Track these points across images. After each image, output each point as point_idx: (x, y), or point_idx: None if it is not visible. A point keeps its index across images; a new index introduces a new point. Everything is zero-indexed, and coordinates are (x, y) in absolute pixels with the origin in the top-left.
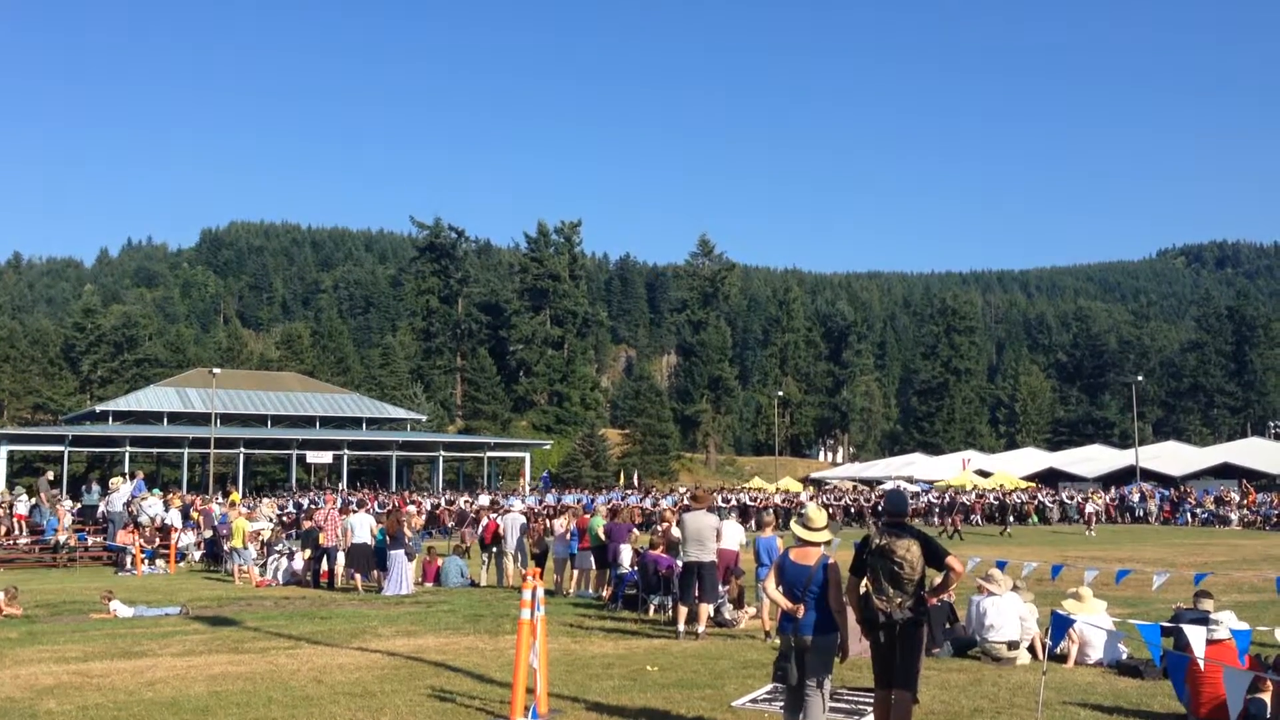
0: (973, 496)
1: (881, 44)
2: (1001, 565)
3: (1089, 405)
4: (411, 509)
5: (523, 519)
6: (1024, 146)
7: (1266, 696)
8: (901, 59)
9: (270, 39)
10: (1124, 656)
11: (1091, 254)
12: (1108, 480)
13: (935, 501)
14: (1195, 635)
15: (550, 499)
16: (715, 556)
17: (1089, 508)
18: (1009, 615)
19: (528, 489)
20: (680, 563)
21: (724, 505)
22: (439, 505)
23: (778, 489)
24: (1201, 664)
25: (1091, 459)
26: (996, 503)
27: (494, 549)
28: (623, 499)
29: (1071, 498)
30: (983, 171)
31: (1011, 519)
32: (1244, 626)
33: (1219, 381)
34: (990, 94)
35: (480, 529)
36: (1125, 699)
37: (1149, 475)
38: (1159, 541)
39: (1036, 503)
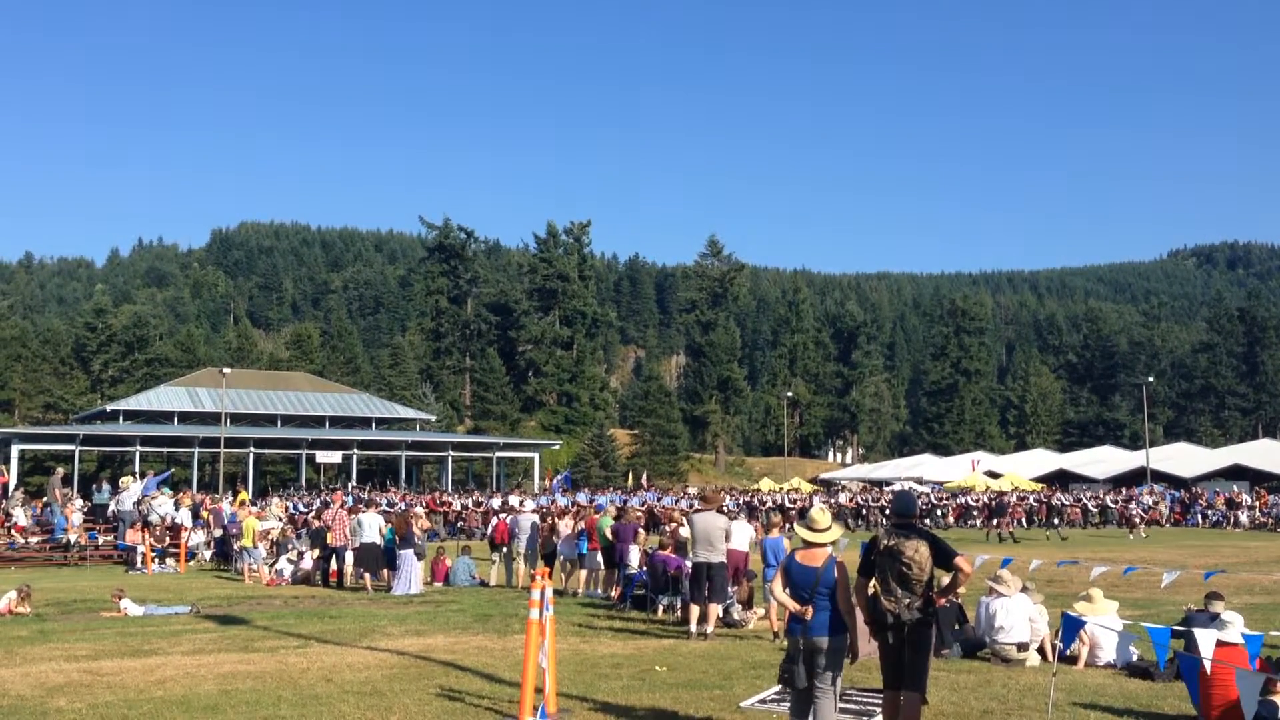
0: (1014, 499)
1: (891, 44)
2: (1005, 564)
3: (1099, 406)
4: (419, 510)
5: (535, 519)
6: (1034, 147)
7: (1278, 699)
8: (911, 59)
9: (280, 39)
10: (1134, 658)
11: (1102, 255)
12: (1118, 481)
13: (974, 504)
14: (1205, 637)
15: (582, 499)
16: (725, 557)
17: (1133, 509)
18: (1019, 616)
19: (557, 488)
20: (689, 563)
21: (760, 507)
22: (467, 506)
23: (816, 489)
24: (1209, 666)
25: (1102, 460)
26: (1038, 504)
27: (503, 549)
28: (658, 499)
29: (1115, 500)
30: (993, 172)
31: (1058, 521)
32: (1255, 632)
33: (1230, 383)
34: (1000, 94)
35: (490, 529)
36: (1135, 701)
37: (1159, 476)
38: (1170, 543)
39: (1081, 505)
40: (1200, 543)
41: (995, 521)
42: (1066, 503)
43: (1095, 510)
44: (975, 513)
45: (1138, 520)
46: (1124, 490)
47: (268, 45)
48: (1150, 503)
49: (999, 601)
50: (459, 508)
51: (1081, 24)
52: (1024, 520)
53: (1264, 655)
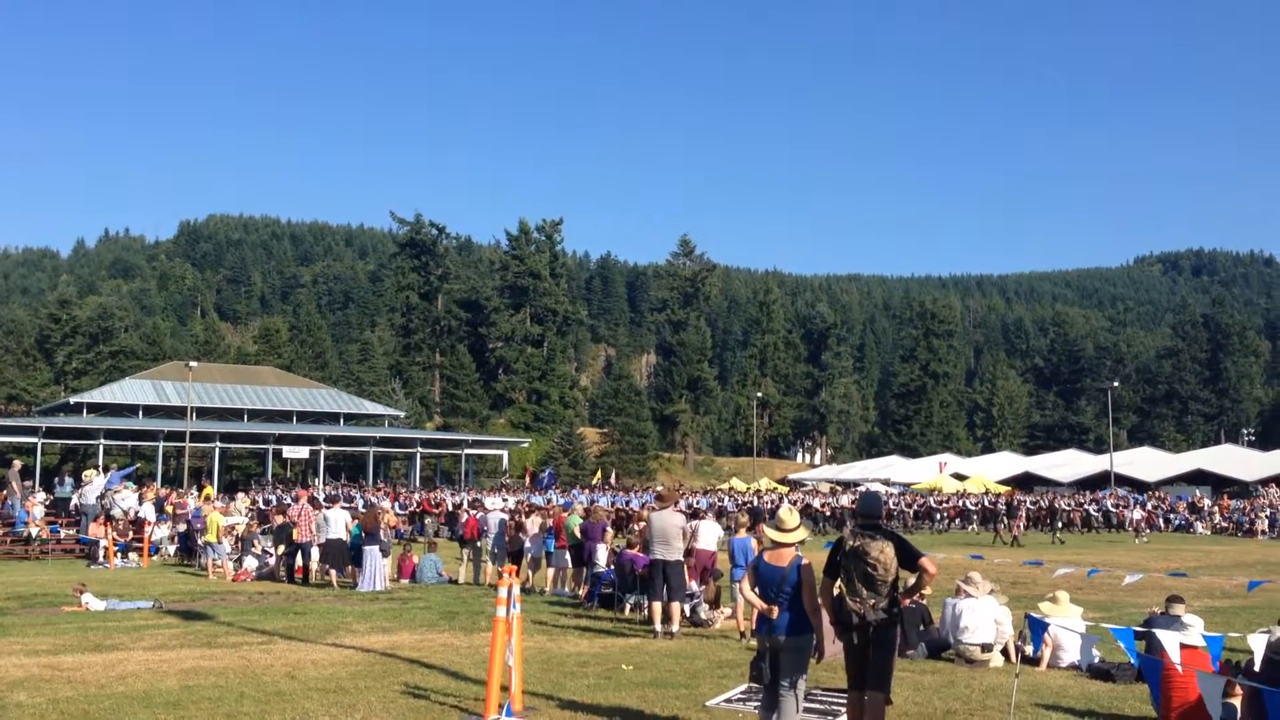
0: (1016, 501)
1: (862, 46)
2: (966, 558)
3: (1065, 410)
4: (386, 504)
5: (504, 517)
6: (1004, 151)
7: (1236, 701)
8: (882, 62)
9: (250, 33)
10: (1097, 660)
11: (1070, 260)
12: (1082, 485)
13: (971, 507)
14: (1169, 639)
15: (582, 499)
16: (681, 555)
17: (1136, 513)
18: (984, 617)
19: (544, 484)
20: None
21: (764, 510)
22: (460, 504)
23: (819, 490)
24: (1180, 668)
25: (1067, 464)
26: (1035, 508)
27: (474, 545)
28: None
29: (1117, 505)
30: (963, 176)
31: (1060, 524)
32: (1216, 634)
33: (1194, 388)
34: (971, 98)
35: (460, 525)
36: (1097, 702)
37: (1123, 480)
38: (1132, 547)
39: (1082, 510)
40: (1163, 546)
41: (1005, 524)
42: (1069, 507)
43: (1097, 514)
44: (974, 515)
45: (1141, 524)
46: (1127, 495)
47: (238, 38)
48: (1151, 506)
49: (965, 602)
50: (451, 506)
51: (1052, 28)
52: (1025, 524)
53: (1223, 658)
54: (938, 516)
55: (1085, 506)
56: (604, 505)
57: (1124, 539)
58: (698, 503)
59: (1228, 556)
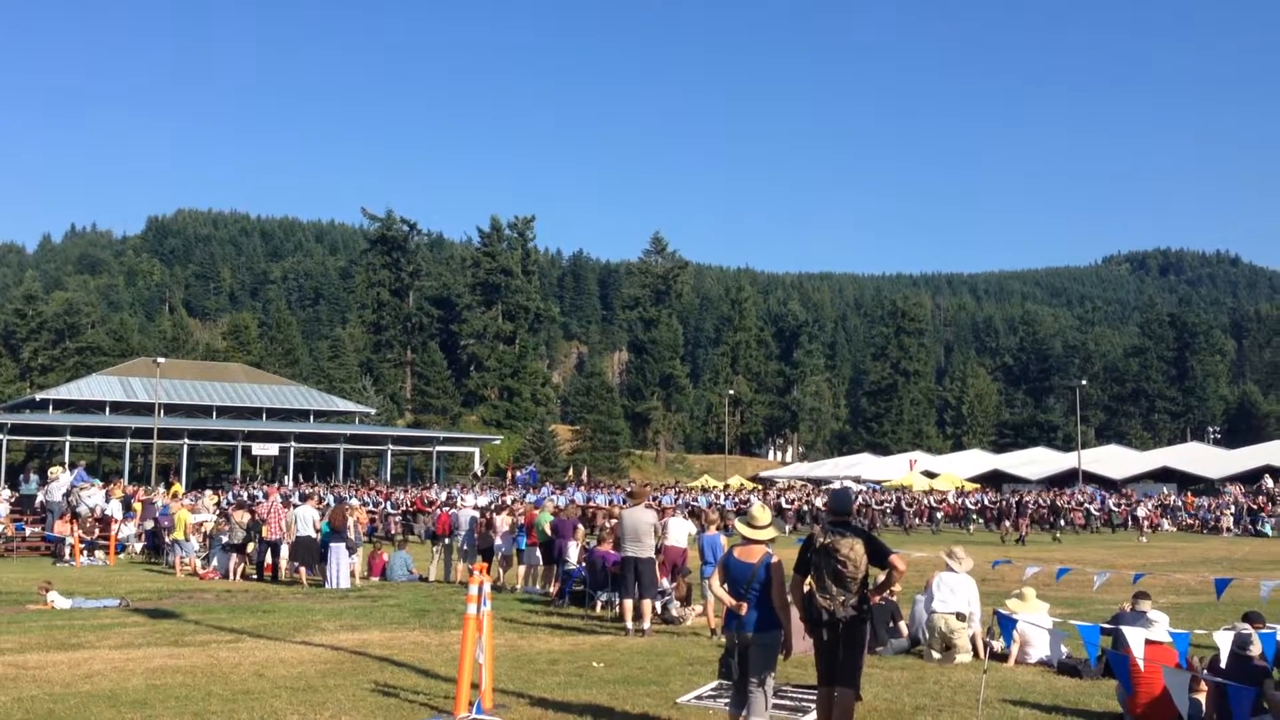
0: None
1: (834, 45)
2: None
3: (1034, 408)
4: (355, 502)
5: (475, 514)
6: (975, 151)
7: (1201, 697)
8: (853, 61)
9: (221, 28)
10: (1064, 656)
11: (1039, 259)
12: (1050, 482)
13: (970, 505)
14: (1134, 636)
15: (579, 498)
16: (652, 553)
17: (1140, 512)
18: (963, 591)
19: (525, 480)
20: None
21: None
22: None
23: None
24: (1142, 664)
25: (1035, 461)
26: (1038, 507)
27: (445, 541)
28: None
29: (1118, 504)
30: (934, 175)
31: (1061, 523)
32: (1182, 630)
33: (1160, 387)
34: (942, 98)
35: (431, 521)
36: (1063, 698)
37: (1091, 478)
38: (1099, 544)
39: (1083, 508)
40: (1130, 544)
41: (1014, 522)
42: (1068, 505)
43: (1099, 513)
44: (975, 515)
45: (1145, 523)
46: (1129, 491)
47: (208, 32)
48: (1151, 506)
49: (946, 575)
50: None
51: (1021, 27)
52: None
53: (1189, 655)
54: (938, 516)
55: (1086, 505)
56: (601, 502)
57: (1124, 537)
58: (694, 500)
59: (1192, 553)
